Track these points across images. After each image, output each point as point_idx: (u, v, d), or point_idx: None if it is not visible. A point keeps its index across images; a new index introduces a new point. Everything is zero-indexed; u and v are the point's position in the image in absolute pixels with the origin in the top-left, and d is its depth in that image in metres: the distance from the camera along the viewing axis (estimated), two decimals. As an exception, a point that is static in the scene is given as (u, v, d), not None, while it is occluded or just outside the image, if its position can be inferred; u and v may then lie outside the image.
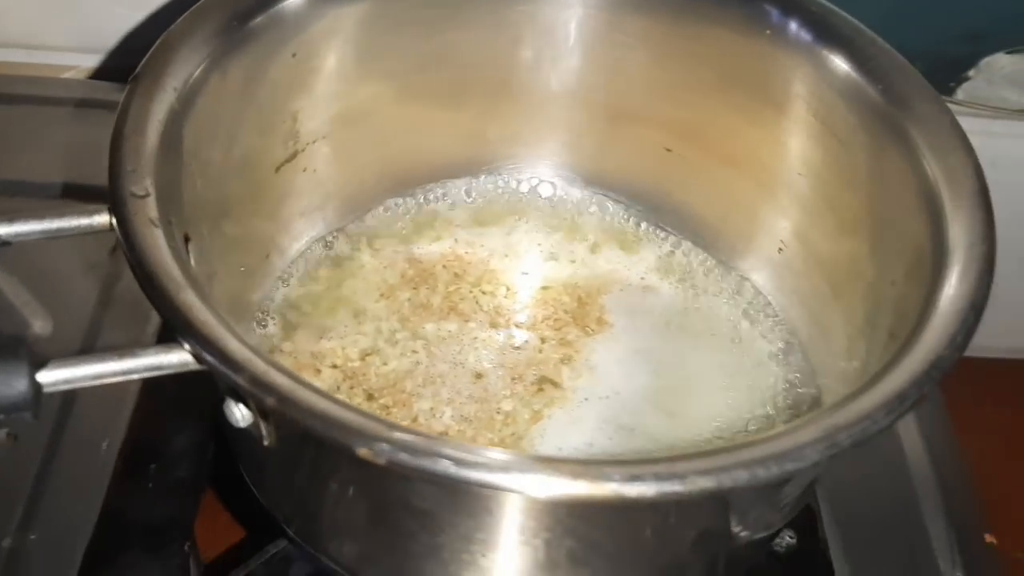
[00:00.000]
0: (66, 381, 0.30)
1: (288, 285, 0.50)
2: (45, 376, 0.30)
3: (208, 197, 0.42)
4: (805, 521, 0.48)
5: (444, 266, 0.53)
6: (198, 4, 0.42)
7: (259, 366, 0.30)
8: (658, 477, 0.29)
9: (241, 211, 0.46)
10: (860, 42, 0.44)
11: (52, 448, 0.47)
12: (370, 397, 0.47)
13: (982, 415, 0.73)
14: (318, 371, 0.48)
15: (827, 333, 0.48)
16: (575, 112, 0.54)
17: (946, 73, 0.67)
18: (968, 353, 0.80)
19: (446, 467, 0.28)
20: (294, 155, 0.49)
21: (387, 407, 0.47)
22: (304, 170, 0.50)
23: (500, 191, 0.55)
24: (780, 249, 0.51)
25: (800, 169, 0.48)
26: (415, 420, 0.46)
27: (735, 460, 0.29)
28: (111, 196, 0.34)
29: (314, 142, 0.49)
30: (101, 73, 0.65)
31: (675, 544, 0.37)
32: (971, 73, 0.67)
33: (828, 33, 0.44)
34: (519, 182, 0.56)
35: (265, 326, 0.49)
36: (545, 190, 0.56)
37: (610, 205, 0.55)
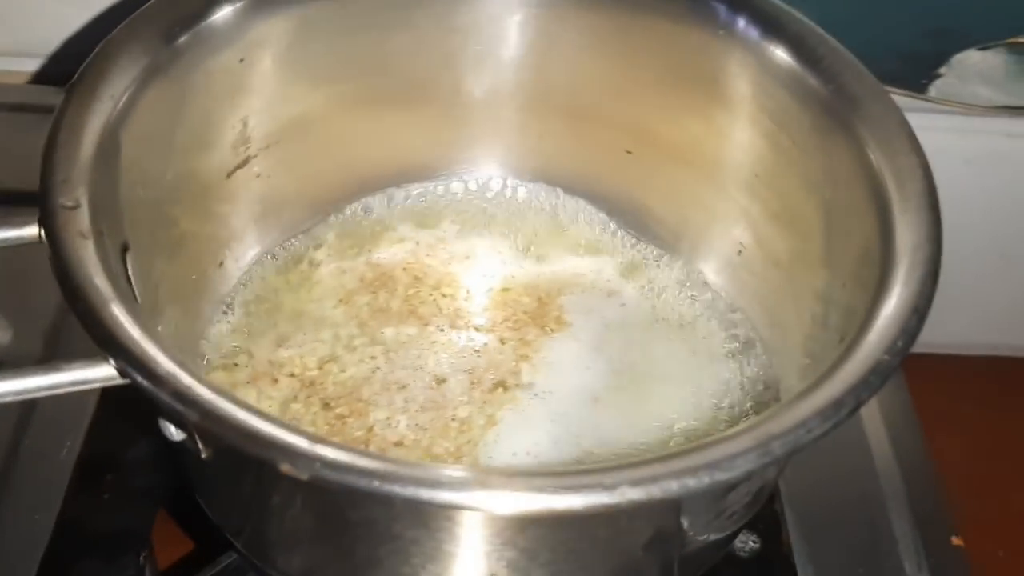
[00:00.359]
0: (-14, 397, 0.30)
1: (244, 293, 0.50)
2: (-37, 392, 0.30)
3: (154, 206, 0.42)
4: (769, 524, 0.48)
5: (404, 269, 0.52)
6: (139, 11, 0.42)
7: (183, 381, 0.30)
8: (587, 488, 0.28)
9: (190, 218, 0.46)
10: (810, 40, 0.43)
11: (9, 458, 0.47)
12: (326, 406, 0.47)
13: (957, 413, 0.73)
14: (275, 380, 0.48)
15: (785, 333, 0.47)
16: (532, 114, 0.53)
17: (918, 71, 0.66)
18: (943, 351, 0.79)
19: (369, 483, 0.28)
20: (246, 161, 0.48)
21: (343, 417, 0.46)
22: (258, 176, 0.49)
23: (461, 195, 0.55)
24: (739, 251, 0.50)
25: (756, 170, 0.48)
26: (370, 430, 0.46)
27: (665, 470, 0.29)
28: (41, 207, 0.34)
29: (267, 147, 0.49)
30: (40, 77, 0.65)
31: (621, 553, 0.36)
32: (943, 70, 0.66)
33: (776, 31, 0.44)
34: (480, 186, 0.55)
35: (220, 335, 0.49)
36: (506, 193, 0.55)
37: (572, 208, 0.55)
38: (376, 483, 0.28)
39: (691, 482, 0.29)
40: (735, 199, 0.50)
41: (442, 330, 0.50)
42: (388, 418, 0.46)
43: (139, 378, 0.30)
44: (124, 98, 0.39)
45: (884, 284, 0.36)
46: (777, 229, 0.48)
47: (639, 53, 0.49)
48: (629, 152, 0.52)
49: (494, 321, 0.51)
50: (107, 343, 0.30)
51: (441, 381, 0.48)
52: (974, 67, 0.61)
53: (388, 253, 0.53)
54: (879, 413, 0.53)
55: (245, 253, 0.50)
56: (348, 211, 0.53)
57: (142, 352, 0.30)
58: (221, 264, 0.49)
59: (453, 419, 0.46)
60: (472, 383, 0.48)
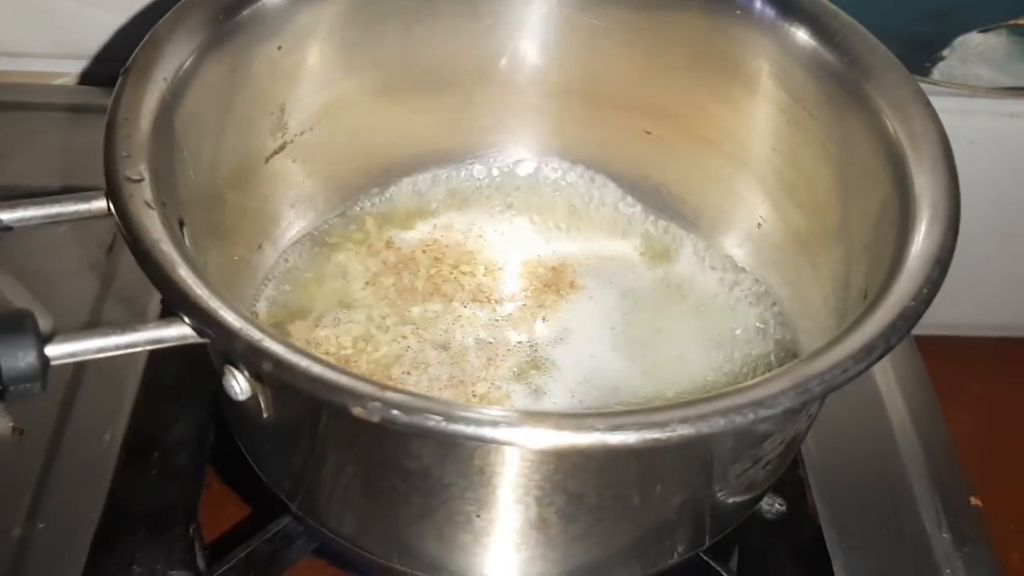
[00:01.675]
0: (72, 354, 0.32)
1: (281, 276, 0.51)
2: (52, 349, 0.31)
3: (201, 187, 0.44)
4: (794, 488, 0.49)
5: (424, 251, 0.54)
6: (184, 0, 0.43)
7: (254, 334, 0.31)
8: (639, 426, 0.30)
9: (233, 201, 0.47)
10: (824, 17, 0.45)
11: (56, 441, 0.48)
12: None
13: (968, 392, 0.74)
14: (311, 359, 0.49)
15: (807, 300, 0.49)
16: (553, 98, 0.55)
17: (921, 53, 0.68)
18: (954, 331, 0.80)
19: (437, 422, 0.30)
20: (283, 146, 0.50)
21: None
22: (293, 161, 0.51)
23: (479, 176, 0.56)
24: (759, 224, 0.52)
25: (774, 144, 0.50)
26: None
27: (712, 408, 0.31)
28: (107, 180, 0.36)
29: (302, 133, 0.51)
30: (88, 79, 0.67)
31: (662, 501, 0.38)
32: (945, 53, 0.68)
33: (792, 9, 0.46)
34: (501, 170, 0.57)
35: (260, 316, 0.50)
36: (522, 173, 0.57)
37: (589, 187, 0.56)
38: (442, 422, 0.29)
39: (737, 418, 0.31)
40: (753, 174, 0.51)
41: (465, 305, 0.51)
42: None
43: (214, 333, 0.31)
44: (175, 81, 0.41)
45: (906, 240, 0.37)
46: (796, 200, 0.50)
47: (662, 38, 0.51)
48: (648, 133, 0.54)
49: (513, 292, 0.52)
50: (182, 302, 0.32)
51: (463, 356, 0.49)
52: (975, 49, 0.62)
53: (408, 236, 0.54)
54: (896, 382, 0.55)
55: (282, 236, 0.52)
56: (374, 196, 0.55)
57: (214, 309, 0.32)
58: (260, 247, 0.51)
59: (474, 395, 0.48)
60: (489, 358, 0.49)
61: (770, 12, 0.47)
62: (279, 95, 0.49)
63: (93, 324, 0.53)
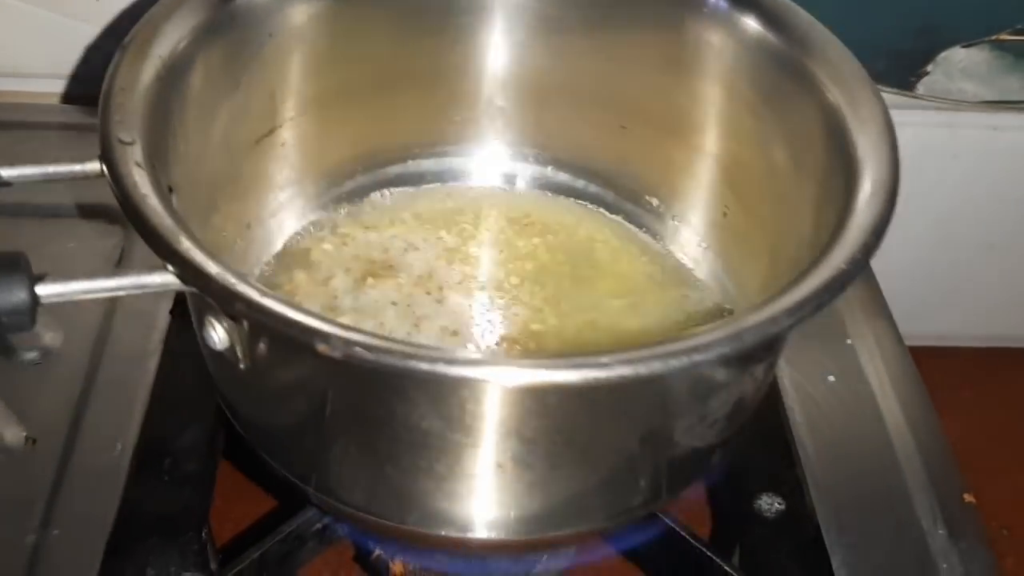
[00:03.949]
0: (60, 295, 0.34)
1: (266, 258, 0.54)
2: (43, 289, 0.34)
3: (191, 162, 0.46)
4: (793, 488, 0.51)
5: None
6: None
7: (230, 279, 0.34)
8: (584, 365, 0.32)
9: (223, 179, 0.50)
10: (770, 4, 0.48)
11: (69, 449, 0.48)
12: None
13: (959, 400, 0.74)
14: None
15: (765, 282, 0.51)
16: (530, 96, 0.57)
17: (906, 69, 0.70)
18: (944, 342, 0.80)
19: (395, 360, 0.32)
20: (271, 131, 0.53)
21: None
22: (282, 145, 0.53)
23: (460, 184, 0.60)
24: (724, 213, 0.54)
25: (732, 132, 0.52)
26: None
27: (651, 353, 0.33)
28: (101, 142, 0.38)
29: (291, 119, 0.53)
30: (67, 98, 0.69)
31: (613, 449, 0.40)
32: (930, 68, 0.70)
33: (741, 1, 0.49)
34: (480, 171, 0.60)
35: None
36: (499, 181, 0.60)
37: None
38: (400, 360, 0.32)
39: (673, 362, 0.33)
40: (716, 162, 0.54)
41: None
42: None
43: (193, 278, 0.34)
44: (171, 59, 0.43)
45: (848, 211, 0.40)
46: (758, 188, 0.52)
47: (627, 35, 0.53)
48: (624, 128, 0.57)
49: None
50: (166, 252, 0.35)
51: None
52: (959, 64, 0.64)
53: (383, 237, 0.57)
54: (890, 384, 0.56)
55: (268, 219, 0.55)
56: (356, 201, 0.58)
57: (195, 257, 0.34)
58: (248, 226, 0.53)
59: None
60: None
61: (723, 4, 0.49)
62: (269, 81, 0.51)
63: (101, 337, 0.54)
